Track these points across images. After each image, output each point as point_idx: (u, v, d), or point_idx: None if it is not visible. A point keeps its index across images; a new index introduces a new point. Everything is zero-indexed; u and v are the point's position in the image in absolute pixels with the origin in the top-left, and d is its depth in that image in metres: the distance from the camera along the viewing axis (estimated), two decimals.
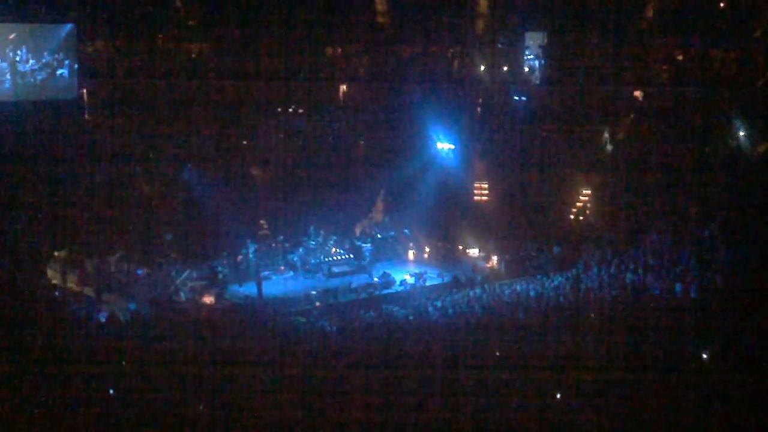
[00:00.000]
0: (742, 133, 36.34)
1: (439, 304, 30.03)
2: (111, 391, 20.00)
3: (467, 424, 18.52)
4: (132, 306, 30.71)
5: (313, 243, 36.93)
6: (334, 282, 34.91)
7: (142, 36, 37.59)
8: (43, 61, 34.56)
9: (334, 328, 27.56)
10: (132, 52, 37.42)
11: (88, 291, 32.77)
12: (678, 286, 27.65)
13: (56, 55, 34.79)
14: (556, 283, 31.35)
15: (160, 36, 38.41)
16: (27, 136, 34.54)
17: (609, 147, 39.27)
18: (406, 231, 39.17)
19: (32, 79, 34.51)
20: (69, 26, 35.19)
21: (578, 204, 39.28)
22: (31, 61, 34.30)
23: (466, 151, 40.71)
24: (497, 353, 22.59)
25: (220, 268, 34.53)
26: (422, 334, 25.14)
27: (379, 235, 38.87)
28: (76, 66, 35.16)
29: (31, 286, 29.96)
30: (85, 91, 36.45)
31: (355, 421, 18.42)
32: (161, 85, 37.28)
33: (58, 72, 34.87)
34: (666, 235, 33.71)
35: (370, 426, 18.39)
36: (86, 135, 36.23)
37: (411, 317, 28.79)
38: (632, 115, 39.14)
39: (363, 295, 33.49)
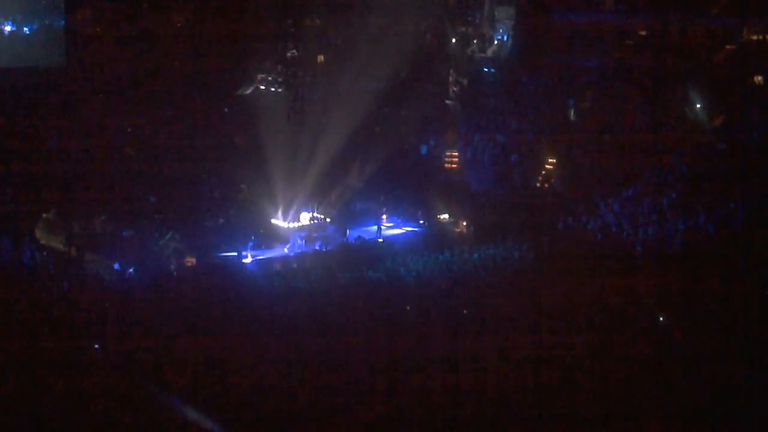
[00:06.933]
0: (698, 106, 37.85)
1: (411, 266, 31.45)
2: (96, 346, 21.30)
3: (436, 382, 19.92)
4: (116, 266, 31.77)
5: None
6: (311, 245, 35.93)
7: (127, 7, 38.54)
8: (33, 27, 35.40)
9: (311, 288, 28.94)
10: (117, 21, 38.34)
11: (74, 251, 33.46)
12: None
13: (45, 22, 35.56)
14: (522, 249, 32.40)
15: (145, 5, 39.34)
16: (16, 100, 35.49)
17: (573, 117, 40.63)
18: (380, 197, 40.32)
19: (20, 45, 35.27)
20: None
21: (544, 172, 40.19)
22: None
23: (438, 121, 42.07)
24: (464, 311, 24.24)
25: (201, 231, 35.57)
26: (393, 293, 26.74)
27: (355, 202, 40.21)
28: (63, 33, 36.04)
29: (18, 247, 31.04)
30: (73, 57, 37.26)
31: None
32: (146, 55, 38.23)
33: (47, 38, 35.64)
34: (627, 202, 35.08)
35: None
36: (74, 99, 37.18)
37: (383, 278, 30.19)
38: (595, 89, 40.51)
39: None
